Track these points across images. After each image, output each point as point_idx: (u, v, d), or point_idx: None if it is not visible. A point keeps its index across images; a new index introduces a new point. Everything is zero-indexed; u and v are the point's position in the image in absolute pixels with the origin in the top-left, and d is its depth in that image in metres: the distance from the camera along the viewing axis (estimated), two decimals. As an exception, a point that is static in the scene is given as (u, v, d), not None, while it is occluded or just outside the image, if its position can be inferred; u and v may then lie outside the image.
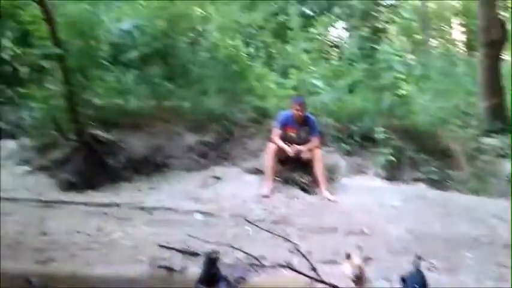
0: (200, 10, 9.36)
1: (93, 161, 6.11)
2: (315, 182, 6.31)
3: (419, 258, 3.90)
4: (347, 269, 3.87)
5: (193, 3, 8.84)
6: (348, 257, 3.97)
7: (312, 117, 6.69)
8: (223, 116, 7.31)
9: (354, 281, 3.86)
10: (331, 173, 6.57)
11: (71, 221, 5.07)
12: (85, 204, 5.50)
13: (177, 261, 4.70)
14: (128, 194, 5.92)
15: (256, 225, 4.94)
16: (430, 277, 4.36)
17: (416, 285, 3.55)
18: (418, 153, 6.91)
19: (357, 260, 3.90)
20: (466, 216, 5.54)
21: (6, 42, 5.41)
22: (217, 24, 8.11)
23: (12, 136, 6.83)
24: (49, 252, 4.55)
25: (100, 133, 6.52)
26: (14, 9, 6.02)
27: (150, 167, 6.60)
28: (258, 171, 6.58)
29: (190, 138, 7.01)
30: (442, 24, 15.63)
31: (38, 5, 5.33)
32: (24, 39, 6.14)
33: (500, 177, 6.70)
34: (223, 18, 8.06)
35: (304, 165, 6.44)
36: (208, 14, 8.44)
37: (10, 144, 6.74)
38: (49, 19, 5.38)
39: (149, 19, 8.12)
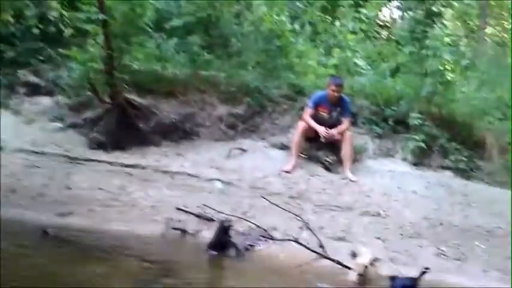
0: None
1: (124, 123, 6.32)
2: (339, 161, 6.33)
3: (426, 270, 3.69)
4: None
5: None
6: (354, 255, 4.01)
7: (347, 98, 6.66)
8: (257, 89, 7.34)
9: (357, 280, 3.91)
10: (357, 154, 6.55)
11: (95, 178, 5.32)
12: (110, 163, 5.74)
13: (191, 224, 4.90)
14: (154, 157, 6.12)
15: (268, 200, 5.00)
16: (438, 263, 4.37)
17: None
18: (451, 142, 6.74)
19: (363, 259, 3.93)
20: (486, 208, 5.43)
21: (53, 4, 5.58)
22: (266, -4, 8.06)
23: (49, 93, 7.07)
24: (70, 206, 4.82)
25: (134, 97, 6.73)
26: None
27: (179, 134, 6.78)
28: (284, 147, 6.65)
29: (222, 109, 7.12)
30: (502, 12, 14.81)
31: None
32: (71, 2, 6.34)
33: (530, 172, 6.47)
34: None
35: (331, 145, 6.44)
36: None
37: (46, 101, 6.98)
38: (96, -16, 5.54)
39: (197, -13, 8.23)
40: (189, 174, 5.81)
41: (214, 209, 4.96)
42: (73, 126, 6.55)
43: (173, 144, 6.63)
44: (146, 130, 6.55)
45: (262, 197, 5.15)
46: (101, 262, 3.86)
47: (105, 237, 4.47)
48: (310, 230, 4.43)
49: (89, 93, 6.56)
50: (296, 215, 4.72)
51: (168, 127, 6.74)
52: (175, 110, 6.94)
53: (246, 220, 4.81)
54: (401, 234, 4.83)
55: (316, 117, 6.43)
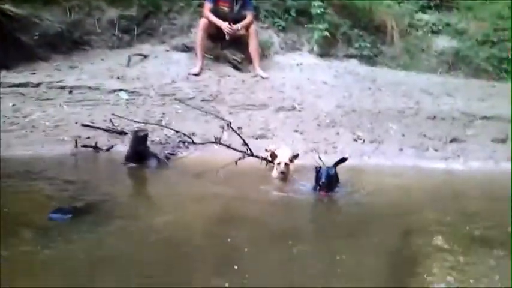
0: None
1: (3, 39, 5.80)
2: (247, 59, 6.41)
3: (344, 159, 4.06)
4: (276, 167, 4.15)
5: None
6: (273, 156, 4.21)
7: (247, -10, 6.58)
8: (148, -14, 6.97)
9: (279, 177, 4.15)
10: (264, 50, 6.66)
11: (-17, 103, 4.96)
12: (-3, 84, 5.35)
13: (102, 140, 4.83)
14: (45, 73, 5.77)
15: (184, 103, 5.03)
16: (356, 147, 4.78)
17: (324, 180, 3.75)
18: (353, 29, 7.06)
19: (282, 157, 4.15)
20: (394, 91, 5.91)
21: None
22: None
23: None
24: (-38, 134, 4.50)
25: (8, 7, 6.12)
26: None
27: (68, 44, 6.37)
28: (187, 49, 6.56)
29: (112, 13, 6.71)
30: None
31: None
32: None
33: (430, 53, 7.03)
34: None
35: (236, 42, 6.46)
36: None
37: None
38: None
39: None
40: (89, 88, 5.59)
41: (126, 118, 4.89)
42: None
43: (64, 56, 6.26)
44: (30, 44, 6.08)
45: (177, 99, 5.14)
46: (10, 189, 3.70)
47: (8, 164, 4.26)
48: (233, 129, 4.56)
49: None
50: (217, 116, 4.81)
51: (55, 38, 6.29)
52: (59, 19, 6.44)
53: (163, 126, 4.83)
54: (318, 125, 5.16)
55: (217, 13, 6.33)
